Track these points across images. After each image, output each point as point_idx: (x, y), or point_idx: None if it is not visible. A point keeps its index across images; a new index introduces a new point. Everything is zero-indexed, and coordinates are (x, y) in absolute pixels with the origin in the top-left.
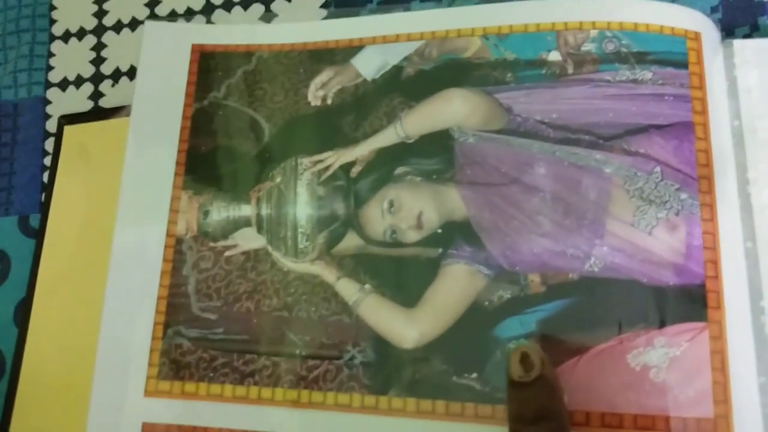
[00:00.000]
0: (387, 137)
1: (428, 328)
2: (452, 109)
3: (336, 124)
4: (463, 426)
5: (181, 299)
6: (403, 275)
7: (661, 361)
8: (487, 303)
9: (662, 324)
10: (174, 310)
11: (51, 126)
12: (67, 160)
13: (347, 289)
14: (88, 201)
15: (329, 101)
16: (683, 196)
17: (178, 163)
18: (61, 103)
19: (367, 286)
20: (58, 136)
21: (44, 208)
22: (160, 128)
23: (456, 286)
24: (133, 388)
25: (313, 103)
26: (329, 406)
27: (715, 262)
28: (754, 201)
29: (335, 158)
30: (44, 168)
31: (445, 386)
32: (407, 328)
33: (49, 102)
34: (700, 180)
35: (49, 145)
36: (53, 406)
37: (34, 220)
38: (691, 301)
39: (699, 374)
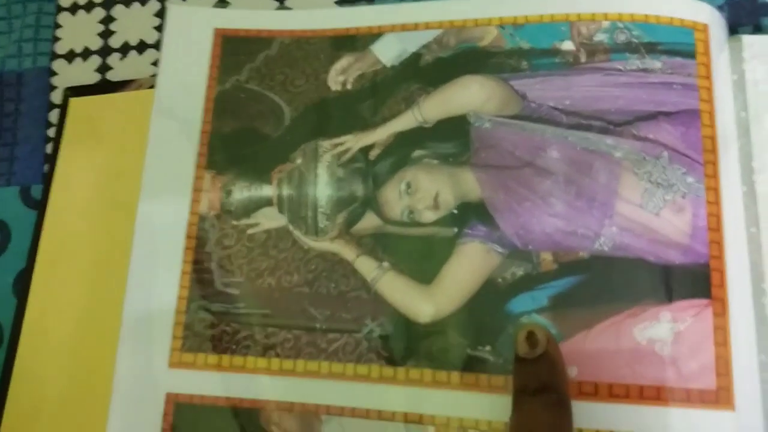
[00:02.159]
0: (405, 121)
1: (444, 303)
2: (469, 95)
3: (355, 108)
4: (476, 395)
5: (204, 275)
6: (420, 253)
7: (667, 335)
8: (500, 280)
9: (668, 300)
10: (198, 285)
11: (56, 98)
12: (72, 133)
13: (366, 266)
14: (93, 174)
15: (349, 86)
16: (689, 179)
17: (201, 144)
18: (67, 75)
19: (386, 263)
20: (63, 107)
21: (47, 180)
22: (183, 109)
23: (471, 263)
24: (158, 360)
25: (333, 88)
26: (348, 377)
27: (719, 243)
28: (759, 188)
29: (354, 141)
30: (47, 139)
31: (459, 358)
32: (424, 303)
33: (54, 73)
34: (705, 164)
35: (53, 116)
36: (51, 378)
37: (36, 191)
38: (695, 279)
39: (702, 348)
